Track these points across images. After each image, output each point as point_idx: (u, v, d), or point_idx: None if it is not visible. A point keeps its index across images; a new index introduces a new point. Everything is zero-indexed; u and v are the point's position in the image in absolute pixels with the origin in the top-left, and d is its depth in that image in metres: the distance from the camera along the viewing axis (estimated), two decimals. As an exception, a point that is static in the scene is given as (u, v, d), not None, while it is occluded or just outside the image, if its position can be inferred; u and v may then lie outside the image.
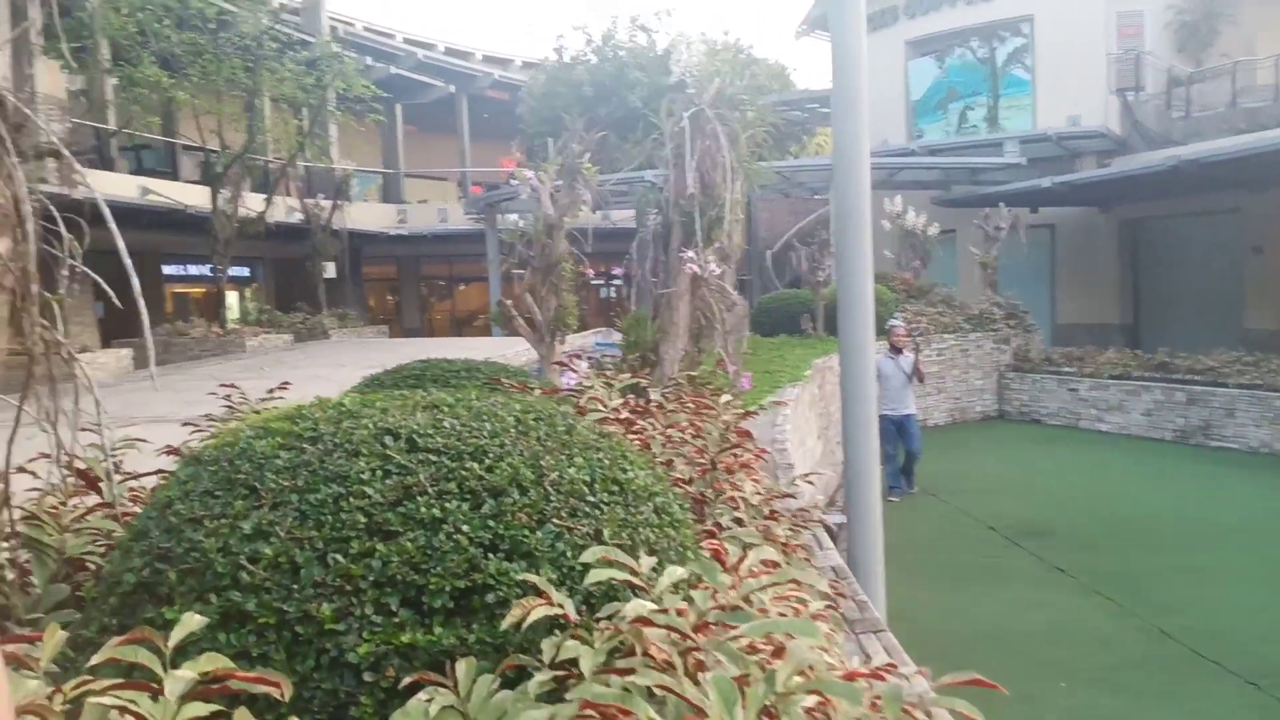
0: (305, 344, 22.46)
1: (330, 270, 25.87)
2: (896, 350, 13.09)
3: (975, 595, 8.90)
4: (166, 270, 25.29)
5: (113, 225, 2.58)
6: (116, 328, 18.84)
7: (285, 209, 24.10)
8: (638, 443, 3.87)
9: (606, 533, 2.19)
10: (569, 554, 2.09)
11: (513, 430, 2.41)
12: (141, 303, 2.63)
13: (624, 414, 4.38)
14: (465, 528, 2.04)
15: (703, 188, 7.38)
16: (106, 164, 20.67)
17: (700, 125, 7.44)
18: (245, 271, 27.65)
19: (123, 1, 16.43)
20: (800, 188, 25.49)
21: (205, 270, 23.03)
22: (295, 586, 1.94)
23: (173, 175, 22.81)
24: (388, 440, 2.26)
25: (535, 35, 65.09)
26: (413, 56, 31.34)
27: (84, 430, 2.96)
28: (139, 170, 22.48)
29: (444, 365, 5.28)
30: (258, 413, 5.73)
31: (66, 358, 2.51)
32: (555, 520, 2.14)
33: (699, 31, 39.63)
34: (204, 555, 2.01)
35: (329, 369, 16.40)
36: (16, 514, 2.71)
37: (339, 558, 1.97)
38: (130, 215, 18.45)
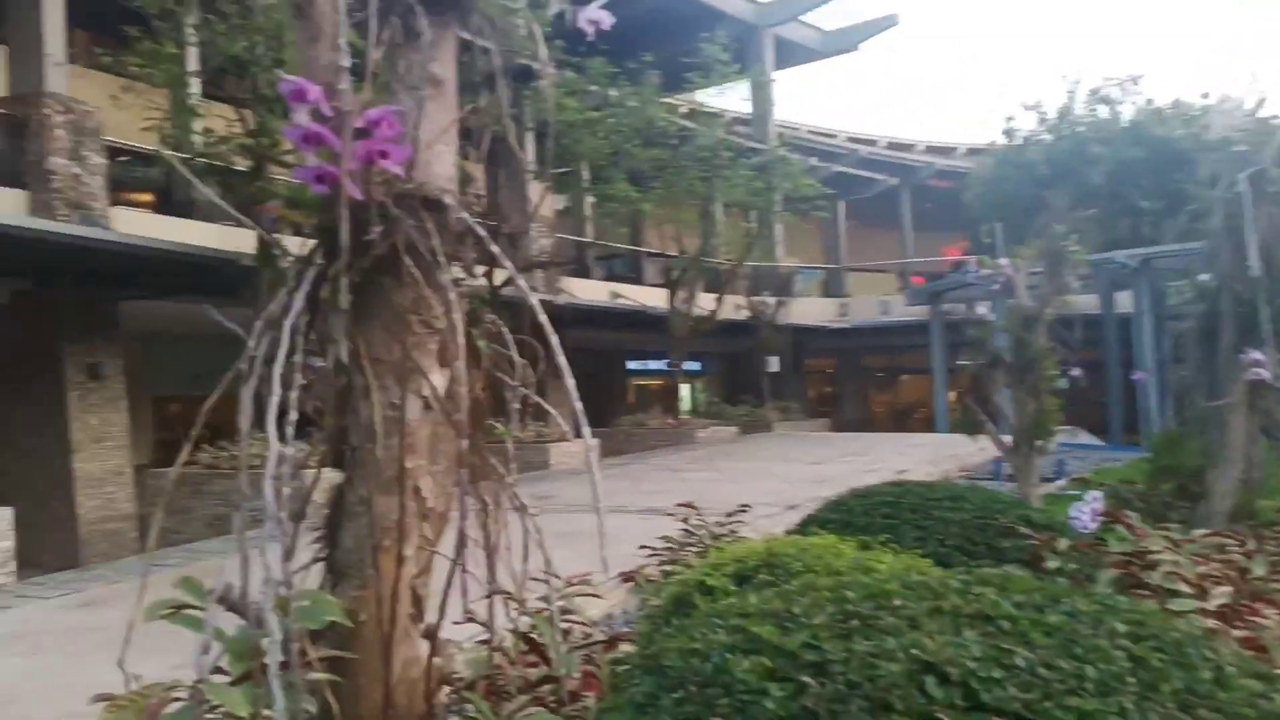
0: (750, 436, 22.97)
1: (774, 364, 26.50)
2: None
3: None
4: (630, 365, 27.56)
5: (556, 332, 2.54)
6: (591, 418, 20.63)
7: (733, 306, 25.23)
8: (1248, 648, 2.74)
9: None
10: None
11: (1130, 679, 1.63)
12: (567, 390, 2.52)
13: (1216, 597, 3.15)
14: None
15: (1268, 268, 6.10)
16: (583, 273, 23.09)
17: (1263, 189, 6.21)
18: (696, 365, 29.29)
19: (600, 127, 18.44)
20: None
21: (662, 364, 24.74)
22: None
23: (637, 280, 24.88)
24: (930, 684, 1.62)
25: (985, 123, 63.46)
26: (855, 154, 31.77)
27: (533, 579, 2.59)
28: (609, 277, 24.87)
29: (921, 492, 4.60)
30: (716, 540, 5.74)
31: (511, 495, 2.46)
32: None
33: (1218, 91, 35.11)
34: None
35: (775, 463, 16.49)
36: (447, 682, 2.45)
37: None
38: (601, 317, 20.35)
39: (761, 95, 25.24)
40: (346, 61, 2.11)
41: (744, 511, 6.66)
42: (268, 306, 2.11)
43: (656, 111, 19.22)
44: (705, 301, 22.76)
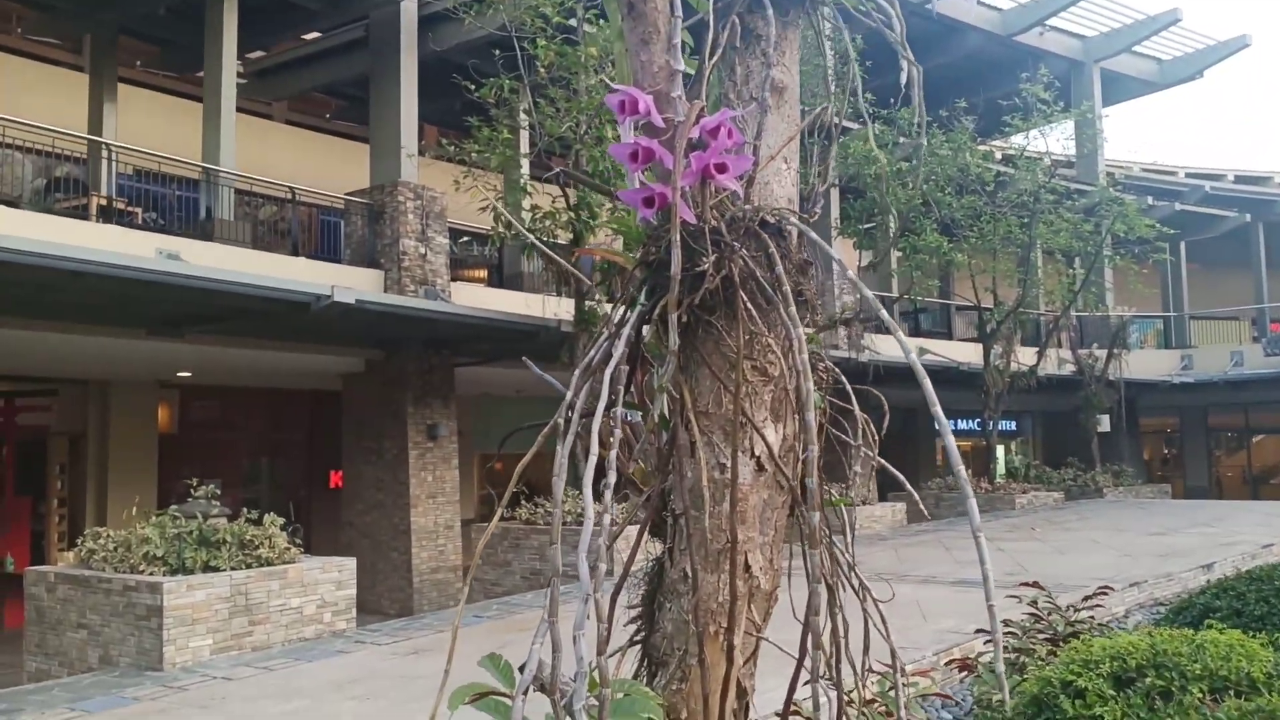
0: (1076, 502, 21.13)
1: (1104, 423, 24.22)
2: None
3: None
4: (886, 402, 26.19)
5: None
6: (890, 480, 19.82)
7: (1056, 360, 23.36)
8: None
9: None
10: None
11: None
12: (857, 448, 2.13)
13: None
14: None
15: None
16: (888, 329, 22.35)
17: None
18: (1012, 425, 27.33)
19: (910, 177, 17.81)
20: None
21: (973, 425, 23.27)
22: None
23: (946, 334, 23.75)
24: None
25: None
26: (1198, 190, 28.64)
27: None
28: (916, 332, 23.89)
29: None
30: (1070, 627, 5.04)
31: (849, 572, 2.07)
32: None
33: None
34: None
35: (1107, 533, 15.02)
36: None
37: None
38: (907, 374, 19.47)
39: (1088, 134, 23.44)
40: (681, 65, 1.89)
41: (1104, 594, 5.88)
42: (586, 356, 1.90)
43: (971, 158, 18.29)
44: (1024, 356, 21.23)
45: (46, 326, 10.72)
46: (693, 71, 1.95)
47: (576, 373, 1.84)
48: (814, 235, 1.91)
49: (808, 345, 1.87)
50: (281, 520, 8.84)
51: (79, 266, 8.55)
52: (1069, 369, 23.90)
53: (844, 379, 2.04)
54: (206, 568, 8.00)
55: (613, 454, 1.69)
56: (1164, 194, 27.59)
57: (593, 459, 1.67)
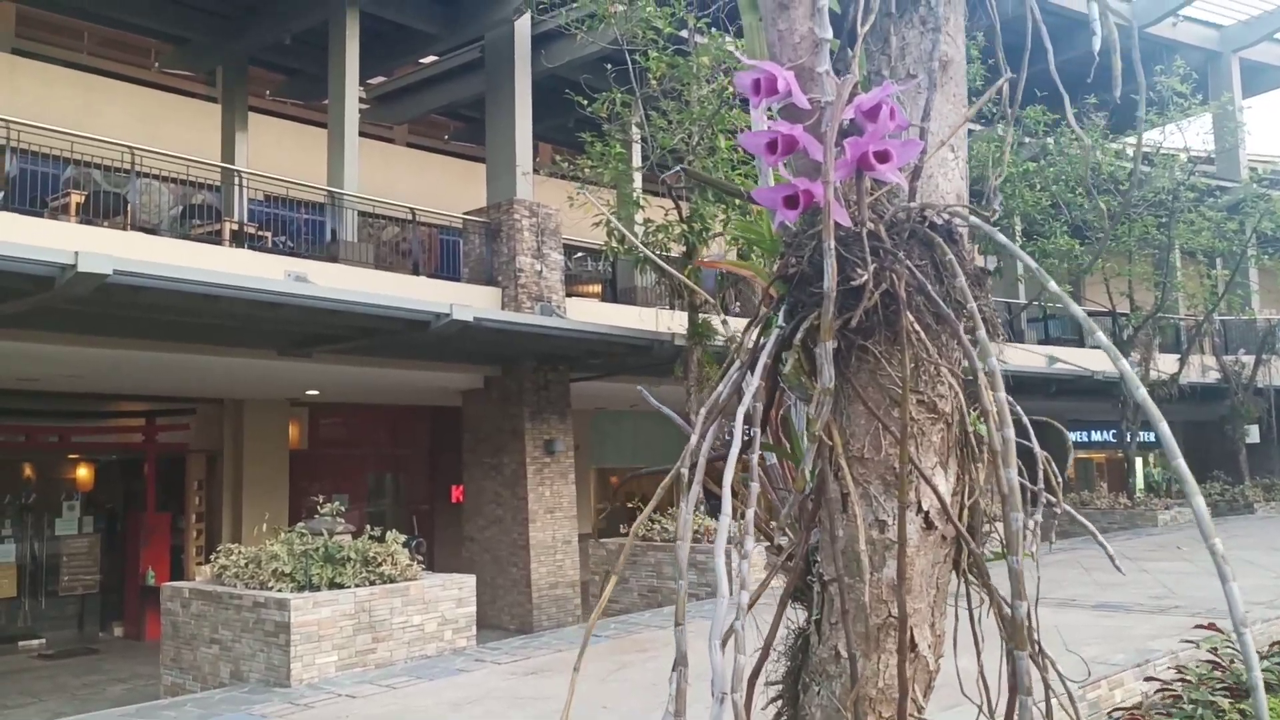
0: (1224, 519, 19.88)
1: (1253, 434, 22.71)
2: None
3: None
4: (1070, 436, 25.01)
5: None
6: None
7: (1200, 368, 22.01)
8: None
9: None
10: None
11: None
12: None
13: None
14: None
15: None
16: (1017, 337, 21.45)
17: None
18: (1151, 437, 25.87)
19: (1038, 178, 17.05)
20: None
21: (1109, 436, 22.13)
22: None
23: (1078, 342, 22.67)
24: None
25: None
26: (1354, 181, 26.66)
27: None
28: (1046, 340, 22.87)
29: None
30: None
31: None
32: None
33: None
34: None
35: (1260, 553, 14.01)
36: None
37: None
38: (1038, 385, 18.66)
39: (1228, 127, 22.10)
40: (829, 33, 1.55)
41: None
42: (714, 391, 1.59)
43: (1103, 157, 17.42)
44: (1164, 363, 20.07)
45: (184, 348, 11.16)
46: (837, 44, 1.65)
47: (702, 412, 1.55)
48: (1002, 238, 1.55)
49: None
50: (404, 537, 8.94)
51: (212, 290, 8.85)
52: (1214, 376, 22.49)
53: (1021, 411, 1.65)
54: (332, 584, 8.14)
55: (749, 514, 1.41)
56: (1316, 188, 25.85)
57: (725, 520, 1.37)
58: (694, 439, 1.51)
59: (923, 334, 1.49)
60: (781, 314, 1.58)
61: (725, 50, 11.80)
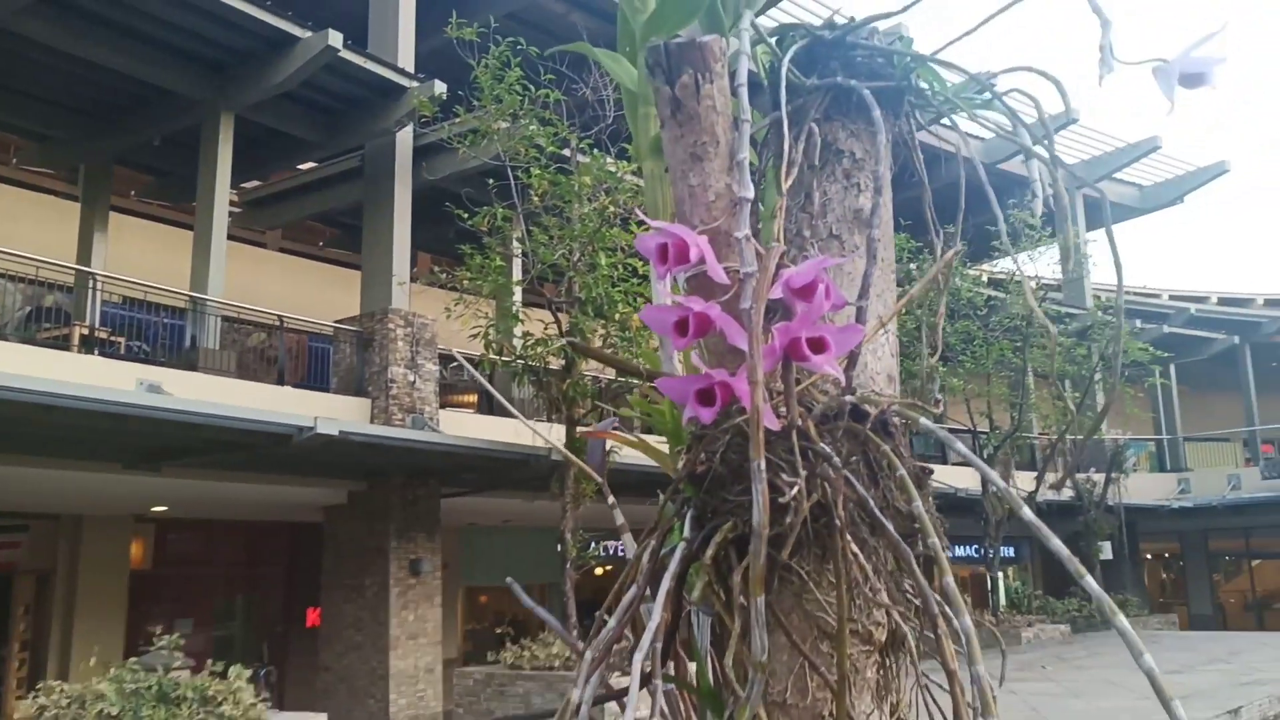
0: (1084, 635, 20.43)
1: (1106, 550, 23.68)
2: None
3: None
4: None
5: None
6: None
7: (1052, 486, 23.00)
8: None
9: None
10: None
11: None
12: None
13: None
14: None
15: None
16: (885, 452, 22.03)
17: None
18: (1010, 551, 26.75)
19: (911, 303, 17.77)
20: None
21: (972, 551, 22.71)
22: None
23: (941, 459, 23.44)
24: None
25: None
26: (1184, 313, 28.94)
27: None
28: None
29: None
30: None
31: None
32: None
33: None
34: None
35: (1121, 672, 14.34)
36: None
37: None
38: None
39: (1075, 258, 23.74)
40: (750, 191, 1.25)
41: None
42: (602, 629, 1.25)
43: (963, 282, 18.37)
44: (1022, 480, 20.89)
45: (18, 461, 10.31)
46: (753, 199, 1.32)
47: (588, 656, 1.23)
48: (944, 433, 1.29)
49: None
50: (249, 671, 8.28)
51: (50, 400, 8.23)
52: (1068, 494, 23.49)
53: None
54: (166, 728, 7.41)
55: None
56: (1151, 317, 27.84)
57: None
58: (575, 693, 1.19)
59: (859, 553, 1.21)
60: (688, 522, 1.27)
61: (607, 170, 12.00)
